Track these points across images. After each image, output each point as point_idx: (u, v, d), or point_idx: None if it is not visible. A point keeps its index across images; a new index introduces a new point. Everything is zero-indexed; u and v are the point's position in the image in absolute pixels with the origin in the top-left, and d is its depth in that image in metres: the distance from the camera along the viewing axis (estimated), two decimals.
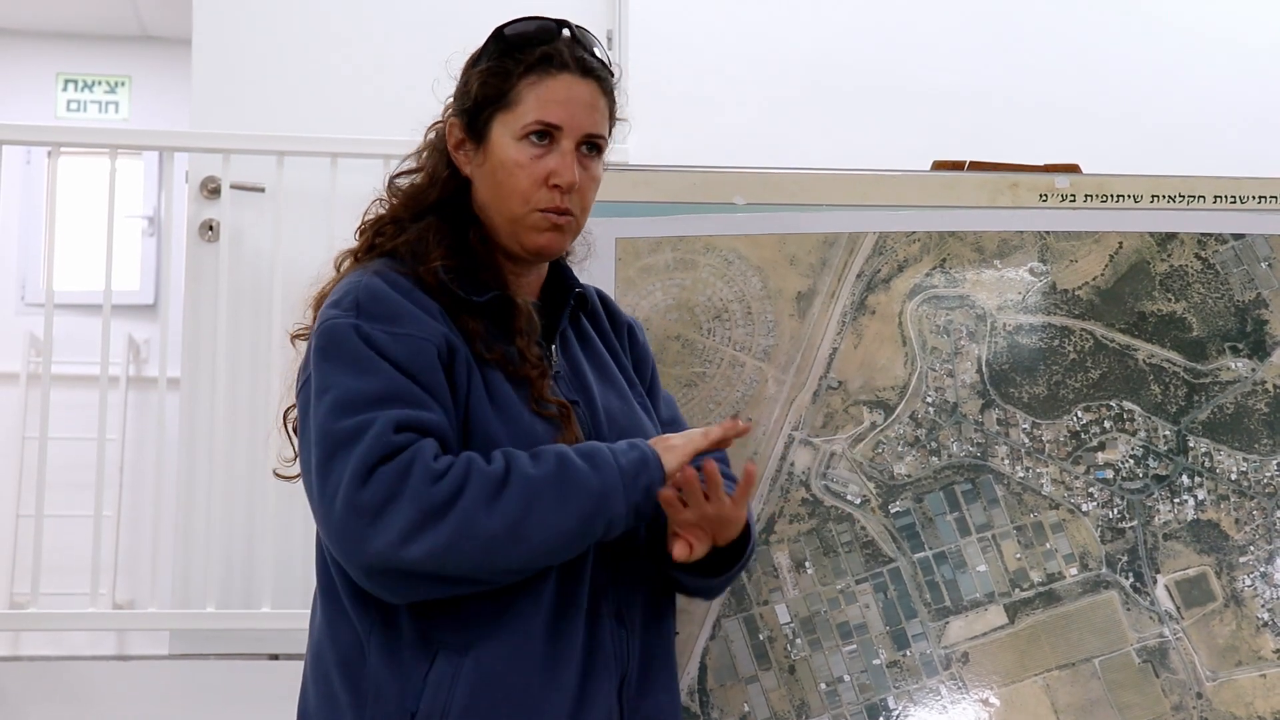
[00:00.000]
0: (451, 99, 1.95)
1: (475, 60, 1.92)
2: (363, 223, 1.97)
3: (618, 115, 1.96)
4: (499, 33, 1.91)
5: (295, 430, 1.90)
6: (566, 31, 1.90)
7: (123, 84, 7.17)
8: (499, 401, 1.80)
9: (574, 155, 1.87)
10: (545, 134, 1.86)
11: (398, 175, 1.97)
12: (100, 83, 7.16)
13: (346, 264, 1.93)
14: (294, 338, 1.94)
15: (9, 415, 5.78)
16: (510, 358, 1.83)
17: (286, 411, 1.92)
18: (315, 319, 1.86)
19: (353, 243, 1.96)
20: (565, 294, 1.96)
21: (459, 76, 1.95)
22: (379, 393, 1.71)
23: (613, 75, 1.94)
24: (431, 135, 1.97)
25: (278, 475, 2.00)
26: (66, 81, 7.13)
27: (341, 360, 1.74)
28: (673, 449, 1.77)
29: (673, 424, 2.02)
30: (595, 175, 1.91)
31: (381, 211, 1.95)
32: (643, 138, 4.13)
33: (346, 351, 1.74)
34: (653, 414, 2.02)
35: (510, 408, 1.79)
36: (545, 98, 1.87)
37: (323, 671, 1.81)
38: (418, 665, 1.75)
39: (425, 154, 1.97)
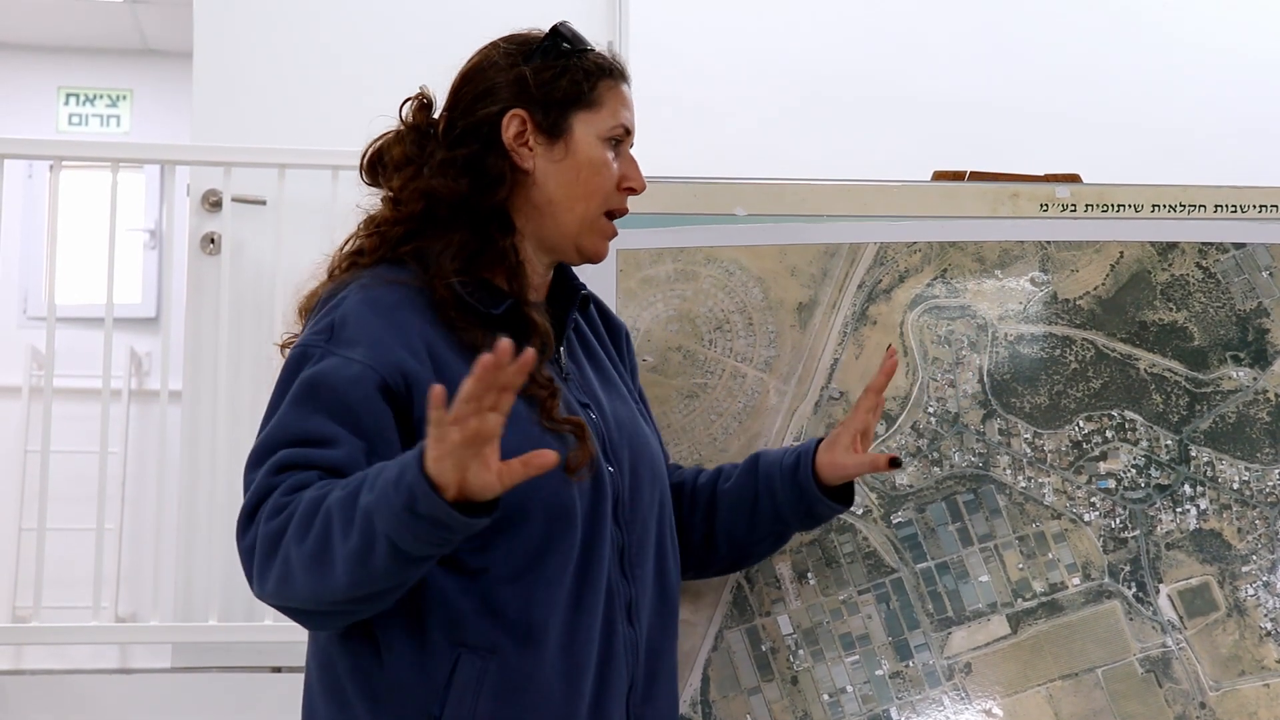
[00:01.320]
0: (459, 99, 1.89)
1: (529, 54, 1.89)
2: (367, 225, 1.90)
3: None
4: (559, 33, 1.90)
5: None
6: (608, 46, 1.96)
7: (124, 98, 7.19)
8: (512, 419, 1.67)
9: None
10: (620, 140, 1.90)
11: (408, 185, 1.87)
12: (102, 96, 7.18)
13: (342, 269, 1.89)
14: (283, 346, 1.88)
15: (11, 429, 5.78)
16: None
17: None
18: (303, 323, 1.85)
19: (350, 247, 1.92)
20: (569, 295, 1.96)
21: (503, 72, 1.87)
22: (287, 437, 1.69)
23: None
24: (444, 132, 1.88)
25: None
26: (68, 95, 7.15)
27: (285, 397, 1.73)
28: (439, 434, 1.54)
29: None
30: None
31: (389, 212, 1.88)
32: (643, 149, 4.14)
33: (291, 392, 1.73)
34: (651, 420, 2.03)
35: (519, 425, 1.72)
36: (622, 103, 1.91)
37: (332, 681, 1.78)
38: (440, 667, 1.73)
39: (447, 153, 1.87)
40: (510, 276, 1.84)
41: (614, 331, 2.06)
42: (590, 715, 1.78)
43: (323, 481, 1.65)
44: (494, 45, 1.93)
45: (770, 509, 2.02)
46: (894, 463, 1.96)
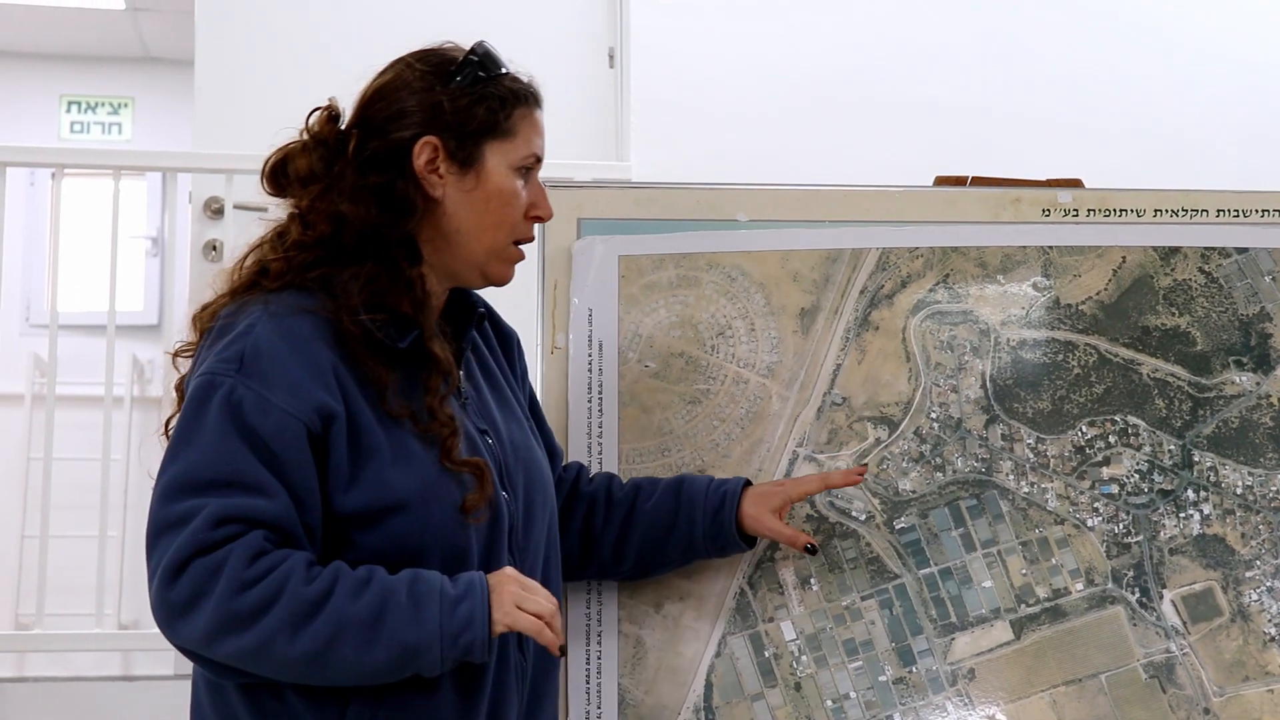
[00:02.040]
0: (370, 117, 1.86)
1: (445, 78, 1.86)
2: (277, 248, 1.84)
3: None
4: (472, 59, 1.87)
5: None
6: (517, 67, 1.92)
7: (126, 105, 7.20)
8: (406, 459, 1.76)
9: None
10: (530, 169, 1.89)
11: (316, 205, 1.84)
12: (103, 104, 7.19)
13: (244, 287, 1.83)
14: (175, 355, 1.87)
15: (14, 436, 5.78)
16: (420, 416, 1.77)
17: (168, 421, 1.84)
18: (200, 337, 1.81)
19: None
20: (467, 311, 1.95)
21: (417, 95, 1.85)
22: (217, 475, 1.67)
23: None
24: (355, 152, 1.84)
25: None
26: (70, 103, 7.16)
27: (198, 428, 1.70)
28: (514, 596, 1.73)
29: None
30: None
31: (297, 234, 1.83)
32: (644, 155, 4.14)
33: (207, 421, 1.69)
34: (540, 431, 2.05)
35: (417, 465, 1.75)
36: (535, 131, 1.90)
37: (225, 704, 1.77)
38: (330, 716, 1.74)
39: (343, 173, 1.83)
40: (415, 306, 1.81)
41: (505, 340, 2.07)
42: None
43: (289, 557, 1.66)
44: (408, 64, 1.89)
45: (685, 537, 2.08)
46: (810, 549, 2.10)
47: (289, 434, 1.69)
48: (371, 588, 1.67)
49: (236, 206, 3.92)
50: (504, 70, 1.89)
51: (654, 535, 2.08)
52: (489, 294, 1.99)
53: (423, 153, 1.83)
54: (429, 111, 1.84)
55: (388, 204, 1.82)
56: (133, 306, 6.33)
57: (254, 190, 1.96)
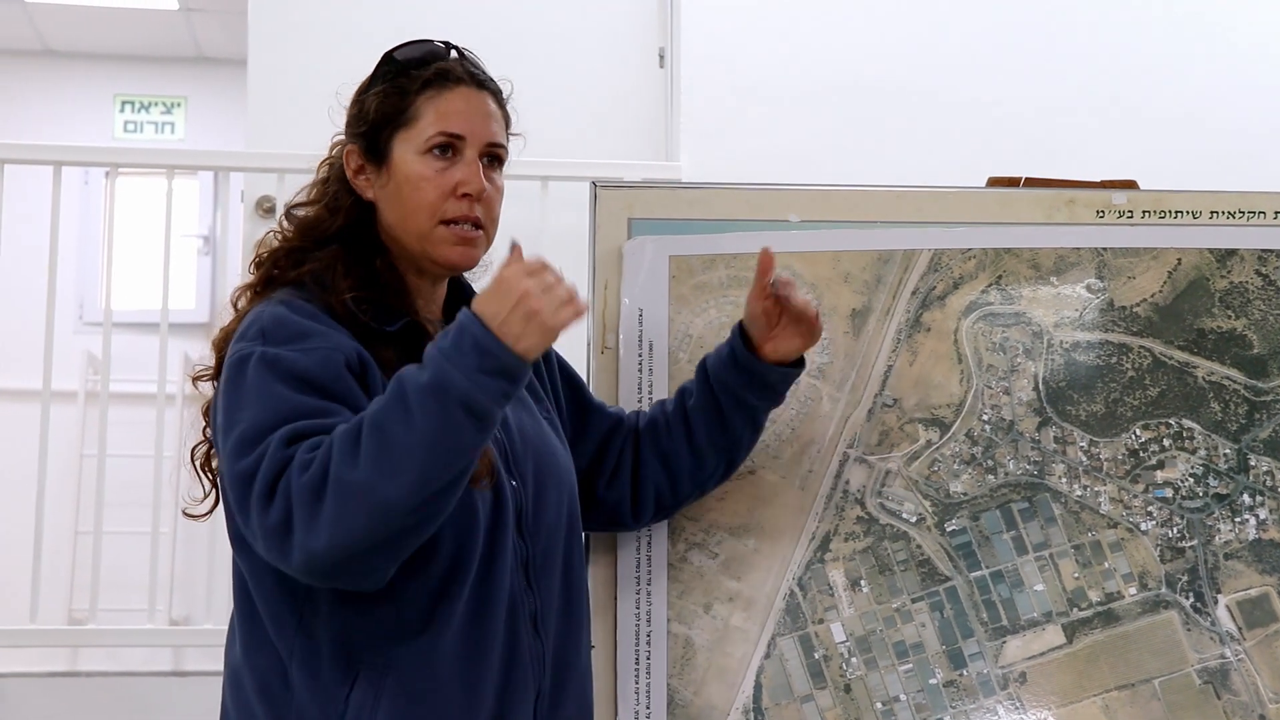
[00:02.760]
0: (343, 130, 1.96)
1: (367, 85, 1.94)
2: (257, 255, 1.95)
3: (513, 131, 1.98)
4: (389, 56, 1.93)
5: (203, 467, 1.92)
6: (454, 52, 1.94)
7: (179, 105, 7.25)
8: None
9: (479, 164, 1.89)
10: (448, 146, 1.88)
11: (294, 206, 1.97)
12: (157, 104, 7.24)
13: (244, 300, 1.91)
14: (195, 379, 1.92)
15: (68, 434, 5.83)
16: None
17: (195, 448, 1.92)
18: (218, 360, 1.86)
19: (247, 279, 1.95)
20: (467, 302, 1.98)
21: (349, 106, 1.95)
22: (276, 419, 1.68)
23: (503, 90, 1.97)
24: (323, 172, 1.97)
25: (186, 515, 1.99)
26: (123, 103, 7.22)
27: (244, 392, 1.72)
28: (480, 297, 1.71)
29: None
30: (499, 186, 1.94)
31: (277, 243, 1.93)
32: (695, 156, 4.14)
33: (249, 382, 1.72)
34: (559, 428, 2.04)
35: None
36: (445, 109, 1.90)
37: (244, 700, 1.81)
38: (339, 686, 1.75)
39: (321, 185, 1.96)
40: (395, 295, 1.87)
41: None
42: None
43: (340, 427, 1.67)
44: None
45: (734, 401, 2.07)
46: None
47: (331, 365, 1.73)
48: (389, 389, 1.67)
49: (288, 205, 3.94)
50: (411, 64, 1.91)
51: (711, 420, 2.08)
52: None
53: (350, 161, 1.92)
54: (351, 121, 1.94)
55: (331, 209, 1.93)
56: (185, 305, 6.37)
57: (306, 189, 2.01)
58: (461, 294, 2.00)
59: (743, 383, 2.06)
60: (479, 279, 1.99)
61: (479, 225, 1.90)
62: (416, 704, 1.76)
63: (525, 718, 1.84)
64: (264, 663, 1.79)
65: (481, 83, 1.93)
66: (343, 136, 1.96)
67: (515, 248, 1.73)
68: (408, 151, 1.88)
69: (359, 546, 1.64)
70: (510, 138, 1.97)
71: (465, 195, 1.88)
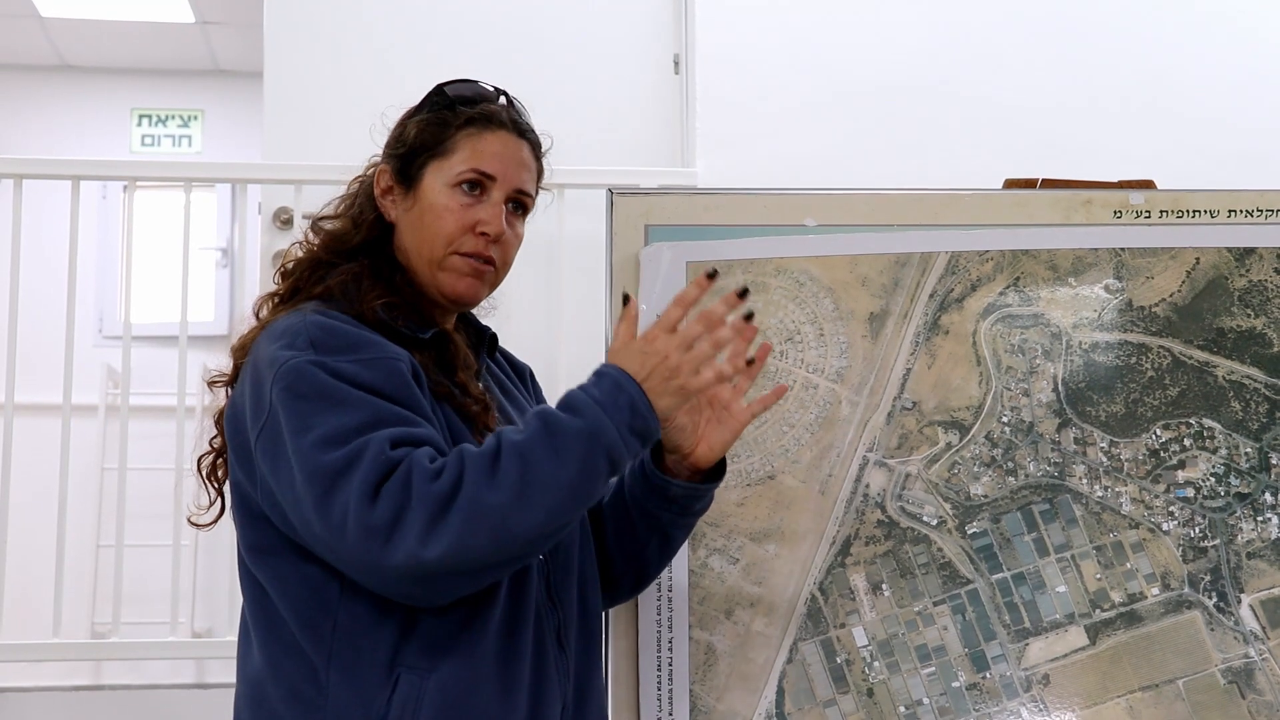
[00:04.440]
0: (382, 149, 1.98)
1: (413, 112, 1.97)
2: (283, 265, 1.96)
3: (542, 185, 2.01)
4: (439, 89, 1.96)
5: (209, 476, 1.93)
6: (504, 98, 1.97)
7: (195, 118, 7.27)
8: (455, 435, 1.82)
9: (503, 208, 1.92)
10: (477, 184, 1.91)
11: (321, 219, 1.99)
12: (173, 117, 7.27)
13: (266, 309, 1.93)
14: (211, 384, 1.93)
15: (89, 447, 5.85)
16: (455, 394, 1.85)
17: (201, 458, 1.93)
18: (235, 367, 1.88)
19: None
20: (477, 334, 2.01)
21: (393, 128, 1.98)
22: (364, 421, 1.70)
23: (542, 145, 2.00)
24: (353, 187, 2.00)
25: (191, 523, 2.00)
26: (141, 116, 7.25)
27: (315, 399, 1.72)
28: (618, 353, 1.76)
29: None
30: (519, 233, 1.97)
31: (302, 254, 1.96)
32: (711, 161, 4.14)
33: (318, 389, 1.72)
34: None
35: (463, 440, 1.80)
36: (482, 149, 1.92)
37: (268, 709, 1.80)
38: (380, 689, 1.75)
39: (351, 200, 1.99)
40: (420, 306, 1.92)
41: (520, 373, 2.12)
42: None
43: (465, 444, 1.71)
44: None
45: (639, 514, 1.99)
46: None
47: (397, 375, 1.76)
48: (528, 420, 1.71)
49: (306, 217, 3.95)
50: (460, 102, 1.94)
51: (623, 525, 2.02)
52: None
53: (381, 179, 1.96)
54: (390, 143, 1.97)
55: (355, 223, 1.96)
56: (204, 317, 6.39)
57: (323, 201, 2.03)
58: (470, 321, 2.03)
59: (643, 489, 1.97)
60: (484, 316, 2.04)
61: (491, 263, 1.92)
62: (457, 707, 1.76)
63: None
64: (292, 668, 1.78)
65: (522, 131, 1.96)
66: (379, 157, 1.99)
67: (630, 301, 1.79)
68: (437, 181, 1.91)
69: (467, 565, 1.67)
70: (539, 191, 2.00)
71: (483, 234, 1.90)
